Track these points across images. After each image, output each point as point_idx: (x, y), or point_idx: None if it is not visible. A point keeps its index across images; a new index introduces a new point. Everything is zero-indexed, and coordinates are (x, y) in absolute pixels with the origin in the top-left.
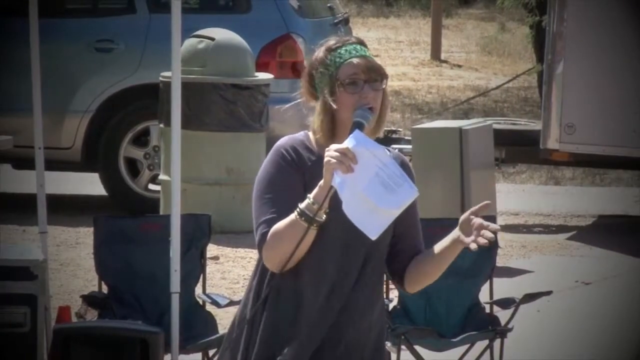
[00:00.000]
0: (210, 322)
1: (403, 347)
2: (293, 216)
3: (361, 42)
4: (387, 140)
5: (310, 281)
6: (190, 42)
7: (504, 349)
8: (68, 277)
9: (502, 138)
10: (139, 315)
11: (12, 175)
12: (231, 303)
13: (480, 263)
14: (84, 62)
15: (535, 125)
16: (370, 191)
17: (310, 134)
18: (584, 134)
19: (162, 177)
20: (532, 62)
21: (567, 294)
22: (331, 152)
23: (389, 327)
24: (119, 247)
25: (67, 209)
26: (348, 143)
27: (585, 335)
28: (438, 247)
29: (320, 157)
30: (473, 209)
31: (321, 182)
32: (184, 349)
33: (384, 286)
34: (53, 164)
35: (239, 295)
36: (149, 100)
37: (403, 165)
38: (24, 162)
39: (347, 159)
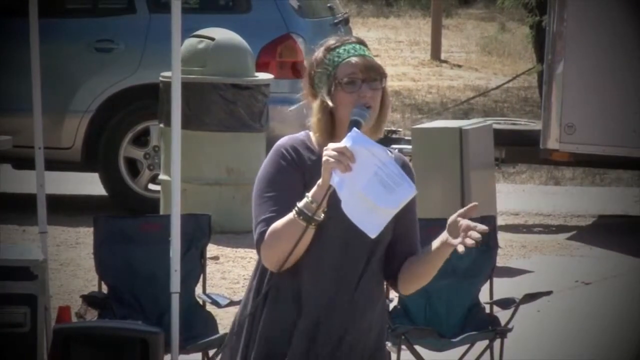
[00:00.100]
0: (210, 322)
1: (403, 347)
2: (291, 215)
3: (361, 42)
4: (387, 140)
5: (309, 280)
6: (190, 42)
7: (504, 349)
8: (68, 277)
9: (502, 138)
10: (139, 315)
11: (12, 175)
12: (231, 303)
13: (480, 263)
14: (84, 62)
15: (535, 125)
16: (369, 190)
17: (312, 133)
18: (584, 134)
19: (162, 177)
20: (532, 62)
21: (567, 294)
22: (329, 151)
23: (389, 327)
24: (119, 247)
25: (67, 209)
26: (346, 142)
27: (585, 335)
28: (429, 250)
29: (321, 157)
30: (460, 211)
31: (319, 181)
32: (184, 349)
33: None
34: (53, 164)
35: (239, 295)
36: (149, 100)
37: (404, 167)
38: (24, 162)
39: (345, 158)
